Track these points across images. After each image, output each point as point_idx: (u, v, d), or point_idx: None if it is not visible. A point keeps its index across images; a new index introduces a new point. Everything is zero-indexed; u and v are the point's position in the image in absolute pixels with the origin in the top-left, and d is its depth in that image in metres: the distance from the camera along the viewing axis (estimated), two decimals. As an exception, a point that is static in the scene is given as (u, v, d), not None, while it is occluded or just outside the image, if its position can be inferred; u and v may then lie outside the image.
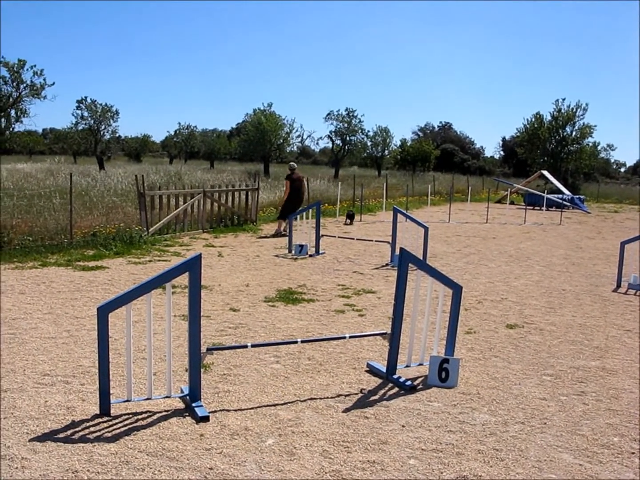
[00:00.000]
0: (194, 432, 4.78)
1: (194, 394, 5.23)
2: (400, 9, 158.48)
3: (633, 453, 4.84)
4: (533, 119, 58.80)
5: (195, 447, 4.52)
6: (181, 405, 5.30)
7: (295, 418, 5.12)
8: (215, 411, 5.18)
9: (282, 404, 5.41)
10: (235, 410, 5.23)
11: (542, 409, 5.65)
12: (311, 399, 5.58)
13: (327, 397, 5.63)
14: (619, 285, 12.04)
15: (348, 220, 22.54)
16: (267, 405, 5.36)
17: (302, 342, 6.43)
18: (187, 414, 5.12)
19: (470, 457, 4.60)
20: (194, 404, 5.16)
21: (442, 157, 75.86)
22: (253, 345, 6.10)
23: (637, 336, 8.44)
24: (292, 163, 19.06)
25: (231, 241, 15.88)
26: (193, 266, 4.98)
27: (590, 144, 59.46)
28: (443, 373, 6.08)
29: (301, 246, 13.94)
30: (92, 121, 57.42)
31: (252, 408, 5.29)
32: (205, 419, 4.98)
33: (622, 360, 7.31)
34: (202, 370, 5.48)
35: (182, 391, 5.42)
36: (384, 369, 6.24)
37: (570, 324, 8.86)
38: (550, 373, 6.68)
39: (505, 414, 5.49)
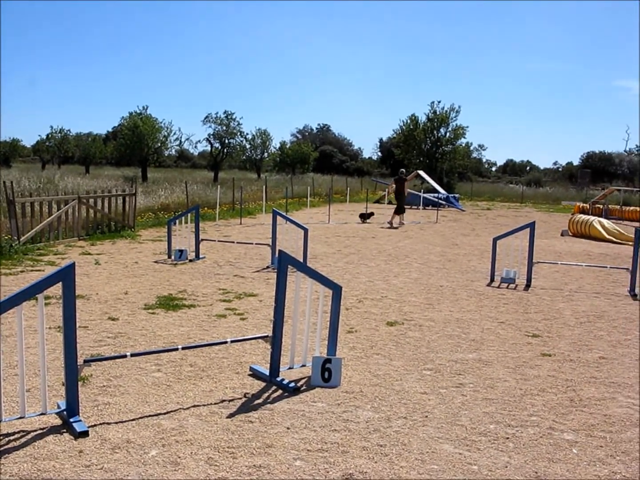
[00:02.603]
0: (72, 449, 4.60)
1: (72, 408, 5.03)
2: (279, 9, 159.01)
3: (507, 438, 5.07)
4: (409, 121, 60.48)
5: (74, 465, 4.35)
6: (58, 421, 5.09)
7: (179, 427, 5.04)
8: (95, 425, 5.01)
9: (164, 413, 5.30)
10: (116, 423, 5.08)
11: (423, 402, 5.81)
12: (194, 406, 5.50)
13: (211, 404, 5.57)
14: (492, 280, 12.56)
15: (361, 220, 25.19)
16: (150, 416, 5.24)
17: (184, 348, 6.33)
18: (64, 430, 4.92)
19: (355, 455, 4.66)
20: (71, 419, 4.97)
21: (321, 158, 76.80)
22: (133, 355, 5.95)
23: (510, 328, 8.82)
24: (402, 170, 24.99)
25: (109, 248, 15.45)
26: (66, 275, 4.80)
27: (463, 145, 61.82)
28: (326, 373, 6.14)
29: (181, 251, 13.73)
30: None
31: (133, 419, 5.16)
32: (84, 434, 4.80)
33: (497, 351, 7.63)
34: (79, 383, 5.31)
35: (58, 406, 5.20)
36: (267, 372, 6.24)
37: (448, 319, 9.16)
38: (430, 367, 6.88)
39: (388, 409, 5.60)
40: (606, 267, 14.53)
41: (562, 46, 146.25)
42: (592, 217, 23.94)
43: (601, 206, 36.32)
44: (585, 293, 11.80)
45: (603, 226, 22.48)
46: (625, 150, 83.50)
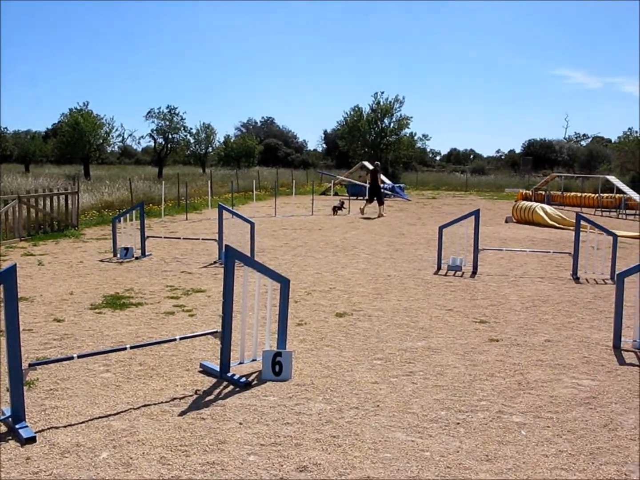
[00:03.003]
0: (19, 456, 4.49)
1: (17, 414, 4.92)
2: (219, 2, 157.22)
3: (458, 423, 5.14)
4: (352, 112, 60.71)
5: (21, 473, 4.25)
6: (3, 428, 4.97)
7: (130, 427, 4.97)
8: (42, 430, 4.91)
9: (115, 414, 5.22)
10: (65, 427, 4.98)
11: (374, 392, 5.85)
12: (145, 405, 5.43)
13: (162, 402, 5.52)
14: (439, 268, 12.71)
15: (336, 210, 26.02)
16: (99, 417, 5.16)
17: (132, 347, 6.24)
18: (10, 437, 4.80)
19: (309, 447, 4.67)
20: (17, 426, 4.85)
21: (266, 151, 76.59)
22: (80, 356, 5.85)
23: (458, 314, 8.94)
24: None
25: (52, 248, 15.14)
26: (7, 278, 4.68)
27: (408, 135, 62.34)
28: (276, 366, 6.13)
29: (126, 249, 13.55)
30: None
31: (83, 422, 5.07)
32: (32, 440, 4.70)
33: (445, 338, 7.73)
34: (25, 388, 5.19)
35: (3, 413, 5.08)
36: (217, 368, 6.20)
37: (396, 308, 9.23)
38: (380, 357, 6.92)
39: (339, 400, 5.62)
40: (549, 252, 14.85)
41: (503, 35, 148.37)
42: (534, 204, 24.41)
43: (543, 192, 37.08)
44: (530, 278, 12.02)
45: (545, 212, 22.93)
46: (564, 138, 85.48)
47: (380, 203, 25.50)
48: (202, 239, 15.34)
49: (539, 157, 73.51)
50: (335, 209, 26.33)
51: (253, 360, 6.49)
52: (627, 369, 6.69)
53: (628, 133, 57.92)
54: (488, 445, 4.75)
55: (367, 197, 26.40)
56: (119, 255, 13.62)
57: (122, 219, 14.68)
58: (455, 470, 4.34)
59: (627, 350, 7.32)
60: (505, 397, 5.80)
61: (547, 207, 24.04)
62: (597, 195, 33.10)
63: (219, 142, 72.08)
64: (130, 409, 5.35)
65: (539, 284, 11.39)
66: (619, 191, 31.13)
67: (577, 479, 4.26)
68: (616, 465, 4.48)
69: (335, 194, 37.06)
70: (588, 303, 9.88)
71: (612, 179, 32.82)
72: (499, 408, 5.51)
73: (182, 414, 5.28)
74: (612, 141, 68.40)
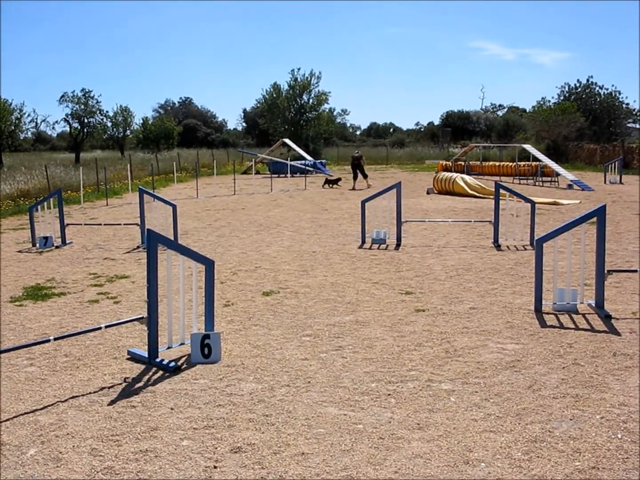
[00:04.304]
0: (-59, 456, 4.34)
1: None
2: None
3: (389, 394, 5.21)
4: (271, 89, 60.36)
5: (-55, 472, 4.12)
6: None
7: (58, 421, 4.85)
8: (-36, 429, 4.75)
9: (41, 409, 5.08)
10: (-12, 424, 4.83)
11: (304, 369, 5.87)
12: (73, 397, 5.31)
13: (90, 393, 5.40)
14: (363, 242, 12.82)
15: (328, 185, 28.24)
16: (25, 413, 5.01)
17: (56, 339, 6.07)
18: None
19: (242, 427, 4.66)
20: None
21: (185, 132, 75.41)
22: (2, 351, 5.68)
23: (384, 287, 9.04)
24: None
25: (-35, 241, 14.60)
26: None
27: (327, 110, 62.40)
28: (205, 349, 6.09)
29: (45, 238, 13.17)
30: None
31: (7, 419, 4.91)
32: (-46, 439, 4.55)
33: (373, 311, 7.81)
34: (-56, 387, 5.00)
35: None
36: (145, 354, 6.11)
37: (323, 284, 9.27)
38: (309, 333, 6.95)
39: (270, 379, 5.62)
40: (471, 221, 15.16)
41: (419, 10, 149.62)
42: (455, 174, 24.84)
43: (463, 163, 37.76)
44: (453, 247, 12.25)
45: (466, 182, 23.37)
46: (481, 108, 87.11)
47: (365, 177, 28.06)
48: (124, 224, 15.04)
49: (457, 128, 74.79)
50: (330, 183, 28.51)
51: (181, 344, 6.42)
52: (548, 331, 6.90)
53: (542, 102, 59.52)
54: (419, 414, 4.83)
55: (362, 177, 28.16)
56: (38, 245, 13.23)
57: (39, 207, 14.26)
58: (388, 441, 4.40)
59: (547, 313, 7.56)
60: (434, 365, 5.91)
61: (467, 177, 24.51)
62: (514, 163, 33.94)
63: (137, 124, 70.62)
64: (58, 402, 5.22)
65: (462, 253, 11.62)
66: (535, 159, 31.97)
67: (505, 440, 4.38)
68: (541, 424, 4.63)
69: (257, 172, 36.87)
70: (509, 269, 10.13)
71: (528, 147, 33.66)
72: (428, 377, 5.61)
73: (112, 403, 5.18)
74: (527, 111, 70.07)
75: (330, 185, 28.48)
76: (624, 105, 59.39)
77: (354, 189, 26.93)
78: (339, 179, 29.41)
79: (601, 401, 5.04)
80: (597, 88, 58.85)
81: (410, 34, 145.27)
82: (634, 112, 62.79)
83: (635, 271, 8.99)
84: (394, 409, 4.95)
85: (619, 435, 4.44)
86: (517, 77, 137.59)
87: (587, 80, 59.09)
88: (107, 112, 64.59)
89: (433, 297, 8.45)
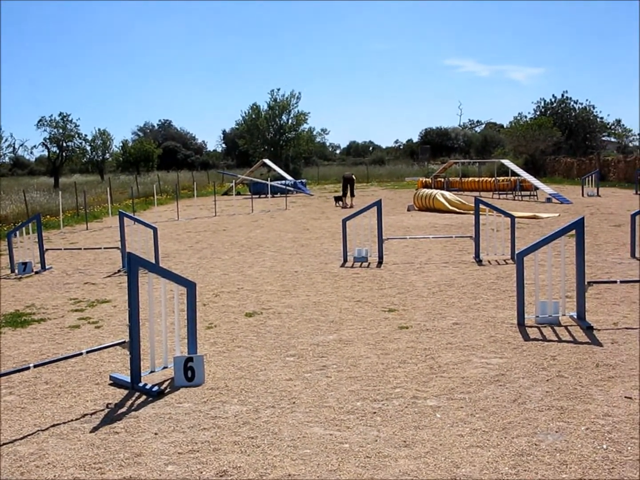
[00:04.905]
0: None
1: None
2: (109, 1, 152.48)
3: (374, 413, 5.19)
4: (250, 110, 60.53)
5: None
6: None
7: (38, 450, 4.76)
8: (-57, 461, 4.65)
9: (21, 439, 4.99)
10: (-32, 455, 4.74)
11: (289, 389, 5.84)
12: (54, 425, 5.23)
13: (72, 420, 5.32)
14: (345, 260, 12.81)
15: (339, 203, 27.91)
16: (4, 444, 4.90)
17: (36, 366, 5.99)
18: None
19: (228, 450, 4.61)
20: None
21: (165, 155, 75.25)
22: (-20, 380, 5.59)
23: (367, 305, 9.03)
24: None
25: (-57, 269, 14.42)
26: None
27: (307, 130, 62.65)
28: (189, 372, 6.03)
29: (24, 264, 13.05)
30: None
31: (-13, 449, 4.83)
32: None
33: (356, 329, 7.79)
34: None
35: None
36: (128, 379, 6.04)
37: (305, 304, 9.25)
38: (292, 353, 6.91)
39: (255, 401, 5.58)
40: (452, 236, 15.23)
41: (395, 29, 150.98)
42: (435, 191, 24.99)
43: (442, 179, 37.97)
44: (435, 264, 12.28)
45: (446, 198, 23.49)
46: (459, 125, 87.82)
47: (352, 195, 28.47)
48: (104, 248, 14.94)
49: (436, 145, 75.33)
50: (338, 199, 28.44)
51: (164, 367, 6.36)
52: (531, 344, 6.92)
53: (518, 118, 60.13)
54: (405, 431, 4.81)
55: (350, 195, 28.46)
56: (17, 271, 13.10)
57: (18, 232, 14.13)
58: (374, 460, 4.37)
59: (530, 326, 7.57)
60: (419, 382, 5.89)
61: (447, 193, 24.65)
62: (493, 179, 34.13)
63: (116, 147, 70.51)
64: (38, 430, 5.13)
65: (444, 269, 11.64)
66: (514, 174, 32.21)
67: (492, 455, 4.37)
68: (527, 437, 4.62)
69: (238, 193, 36.86)
70: (491, 284, 10.17)
71: (507, 162, 33.91)
72: (413, 394, 5.60)
73: (94, 430, 5.11)
74: (504, 126, 70.72)
75: (337, 203, 28.32)
76: (598, 120, 60.19)
77: (347, 206, 27.02)
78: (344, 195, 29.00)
79: (586, 412, 5.04)
80: (572, 103, 59.62)
81: (387, 52, 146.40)
82: (609, 126, 63.73)
83: (615, 282, 9.05)
84: (380, 427, 4.93)
85: (604, 446, 4.44)
86: (494, 94, 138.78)
87: (562, 95, 59.84)
88: (85, 135, 64.41)
89: (416, 314, 8.45)
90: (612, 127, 66.37)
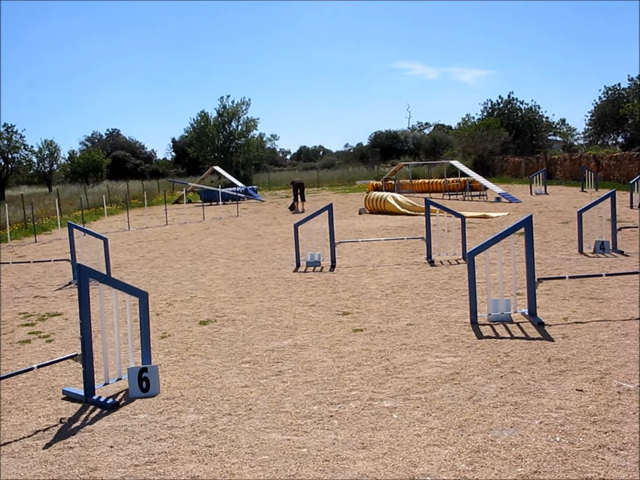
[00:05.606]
0: None
1: None
2: (51, 7, 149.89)
3: (331, 416, 5.19)
4: (199, 118, 60.22)
5: None
6: None
7: (-10, 468, 4.66)
8: None
9: (-28, 457, 4.88)
10: None
11: (245, 396, 5.81)
12: (5, 444, 5.10)
13: (24, 437, 5.21)
14: (298, 265, 12.81)
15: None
16: (-45, 462, 4.80)
17: (-14, 383, 5.88)
18: None
19: (185, 460, 4.57)
20: None
21: (114, 164, 74.30)
22: None
23: (321, 309, 9.04)
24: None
25: None
26: None
27: (256, 136, 62.60)
28: (143, 383, 5.96)
29: (-29, 280, 12.76)
30: None
31: (-64, 469, 4.71)
32: None
33: (311, 334, 7.79)
34: None
35: None
36: (82, 393, 5.94)
37: (259, 310, 9.22)
38: (248, 360, 6.89)
39: (211, 409, 5.54)
40: (403, 238, 15.34)
41: (343, 33, 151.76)
42: (385, 193, 25.14)
43: (393, 182, 38.27)
44: (387, 266, 12.36)
45: (397, 200, 23.68)
46: (408, 127, 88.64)
47: (303, 200, 29.02)
48: (54, 261, 14.70)
49: (386, 148, 75.83)
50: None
51: (119, 379, 6.28)
52: (484, 341, 7.01)
53: (466, 119, 61.04)
54: (363, 433, 4.83)
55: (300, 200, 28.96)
56: (-37, 287, 12.80)
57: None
58: (333, 463, 4.38)
59: (483, 325, 7.67)
60: (375, 384, 5.92)
61: (397, 195, 24.84)
62: (443, 180, 34.54)
63: (63, 158, 69.43)
64: (-11, 448, 5.02)
65: (397, 271, 11.73)
66: (463, 174, 32.62)
67: (449, 452, 4.41)
68: (482, 434, 4.68)
69: (189, 201, 36.61)
70: (444, 284, 10.27)
71: (456, 163, 34.32)
72: (369, 395, 5.62)
73: (48, 446, 5.01)
74: (453, 128, 71.64)
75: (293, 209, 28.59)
76: (544, 119, 61.40)
77: (299, 211, 27.23)
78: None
79: (539, 407, 5.13)
80: (518, 103, 60.74)
81: (335, 57, 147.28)
82: (554, 126, 65.02)
83: (564, 278, 9.22)
84: (338, 430, 4.94)
85: (558, 438, 4.52)
86: (441, 96, 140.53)
87: (508, 96, 60.96)
88: (31, 147, 63.37)
89: (370, 316, 8.49)
90: (558, 126, 67.74)
